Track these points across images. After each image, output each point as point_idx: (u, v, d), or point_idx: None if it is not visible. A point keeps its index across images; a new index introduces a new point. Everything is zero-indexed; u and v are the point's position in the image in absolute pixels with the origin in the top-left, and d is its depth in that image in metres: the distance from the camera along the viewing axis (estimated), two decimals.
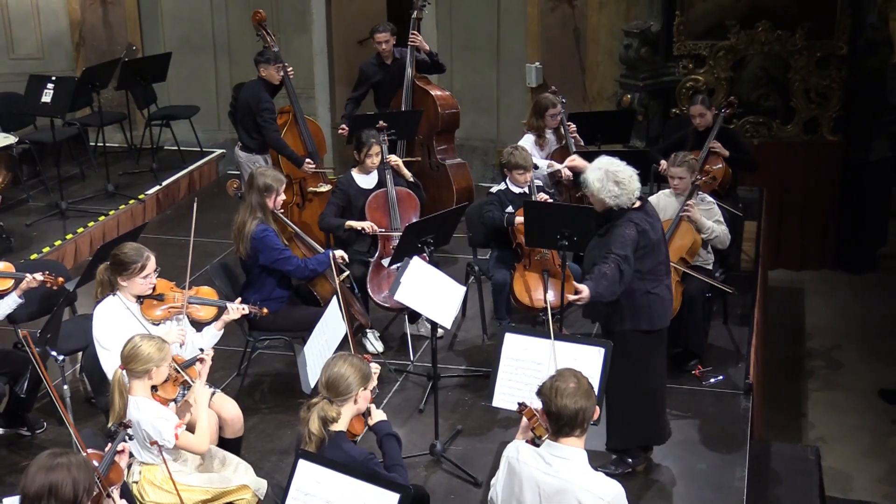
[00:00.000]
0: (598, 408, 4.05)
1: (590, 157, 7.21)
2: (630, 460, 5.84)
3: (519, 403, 4.36)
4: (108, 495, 4.12)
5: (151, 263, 5.46)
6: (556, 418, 3.95)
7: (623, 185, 5.38)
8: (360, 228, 7.00)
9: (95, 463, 4.19)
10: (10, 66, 11.43)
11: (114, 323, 5.36)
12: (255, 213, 6.31)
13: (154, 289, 5.53)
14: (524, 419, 4.23)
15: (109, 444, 4.39)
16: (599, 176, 5.40)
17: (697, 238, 6.77)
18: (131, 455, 4.72)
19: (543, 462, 3.99)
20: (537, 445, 4.06)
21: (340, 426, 4.40)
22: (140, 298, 5.51)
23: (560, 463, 3.96)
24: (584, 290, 5.26)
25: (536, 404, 4.18)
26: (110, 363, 5.29)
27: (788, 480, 6.17)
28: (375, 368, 4.59)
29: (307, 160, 8.19)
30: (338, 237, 7.18)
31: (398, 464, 4.49)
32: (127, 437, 4.43)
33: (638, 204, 5.47)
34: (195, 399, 4.91)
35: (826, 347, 9.25)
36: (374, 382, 4.52)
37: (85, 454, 3.94)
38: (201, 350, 5.25)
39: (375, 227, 7.01)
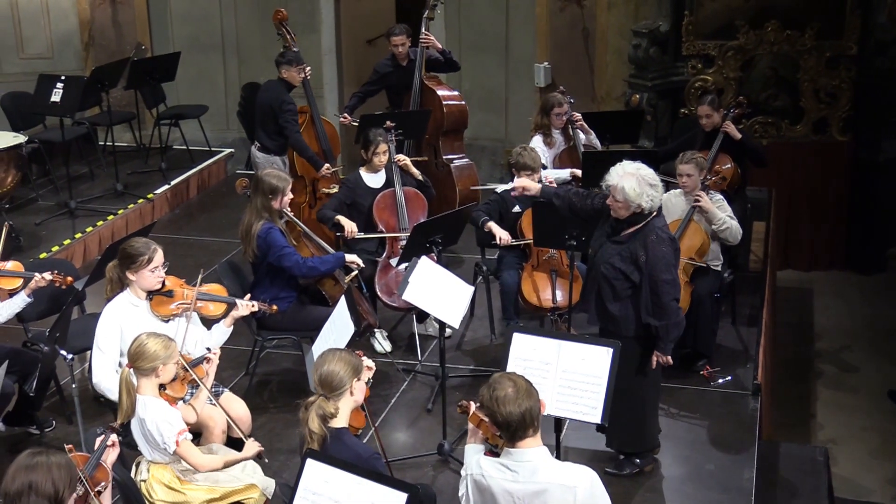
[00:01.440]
0: (543, 401, 4.02)
1: (598, 158, 7.24)
2: (638, 461, 5.82)
3: (459, 405, 4.37)
4: (96, 494, 4.13)
5: (159, 256, 5.46)
6: (507, 426, 3.91)
7: (656, 186, 5.36)
8: (344, 226, 6.96)
9: (82, 465, 4.20)
10: (19, 65, 11.47)
11: (117, 325, 5.37)
12: (260, 214, 6.32)
13: (163, 285, 5.54)
14: (470, 424, 4.22)
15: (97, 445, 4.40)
16: (634, 183, 5.29)
17: (706, 239, 6.75)
18: (136, 450, 4.74)
19: (509, 471, 3.95)
20: (497, 455, 4.04)
21: (341, 422, 4.40)
22: (150, 295, 5.52)
23: (525, 467, 3.93)
24: (664, 356, 5.45)
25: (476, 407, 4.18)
26: (101, 364, 5.32)
27: (797, 482, 6.15)
28: (368, 362, 4.59)
29: (326, 164, 8.20)
30: (335, 231, 7.17)
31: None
32: (112, 437, 4.42)
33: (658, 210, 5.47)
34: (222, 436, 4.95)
35: (835, 348, 9.24)
36: (367, 373, 4.53)
37: (71, 455, 3.93)
38: (208, 349, 5.26)
39: (355, 230, 6.98)
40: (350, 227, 6.96)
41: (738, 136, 7.72)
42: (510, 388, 3.92)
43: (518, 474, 3.93)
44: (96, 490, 4.16)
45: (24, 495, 3.63)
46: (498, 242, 6.89)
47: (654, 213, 5.41)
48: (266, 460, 5.04)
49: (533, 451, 3.94)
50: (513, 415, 3.88)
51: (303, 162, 8.23)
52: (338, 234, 7.04)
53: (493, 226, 6.89)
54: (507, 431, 3.93)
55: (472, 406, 4.23)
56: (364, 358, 4.56)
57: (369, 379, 4.55)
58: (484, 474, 4.02)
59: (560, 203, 5.91)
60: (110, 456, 4.37)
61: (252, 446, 4.88)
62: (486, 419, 4.05)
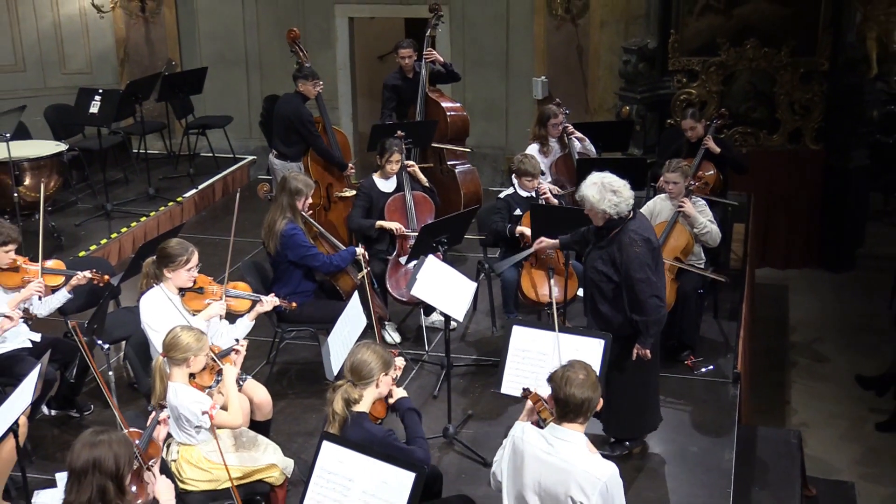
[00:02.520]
0: (601, 400, 4.04)
1: (591, 165, 7.22)
2: (627, 443, 5.82)
3: (523, 389, 4.37)
4: (148, 468, 4.14)
5: (195, 257, 5.49)
6: (564, 405, 3.95)
7: (619, 193, 5.34)
8: (389, 229, 7.00)
9: (136, 440, 4.22)
10: (61, 80, 11.48)
11: (159, 308, 5.38)
12: (284, 213, 6.34)
13: (195, 282, 5.55)
14: (529, 402, 4.24)
15: (148, 423, 4.42)
16: (596, 189, 5.33)
17: (690, 239, 6.75)
18: (169, 434, 4.75)
19: (546, 443, 3.99)
20: (542, 427, 4.06)
21: (363, 407, 4.41)
22: (182, 291, 5.53)
23: (561, 445, 3.95)
24: (643, 349, 5.41)
25: (541, 391, 4.18)
26: (158, 341, 5.31)
27: (773, 462, 6.15)
28: (400, 360, 4.60)
29: (350, 164, 8.23)
30: (367, 236, 7.16)
31: (419, 436, 4.52)
32: (164, 413, 4.44)
33: (632, 213, 5.43)
34: (224, 378, 4.90)
35: (808, 340, 9.23)
36: (395, 371, 4.54)
37: (126, 431, 3.95)
38: (237, 340, 5.27)
39: (403, 229, 7.01)
40: (395, 226, 7.00)
41: (717, 150, 7.73)
42: (583, 374, 3.96)
43: (553, 448, 3.97)
44: (149, 464, 4.18)
45: (88, 472, 3.64)
46: (523, 240, 6.86)
47: (630, 217, 5.40)
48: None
49: (574, 435, 3.97)
50: (574, 397, 3.92)
51: (317, 168, 8.22)
52: (372, 235, 7.03)
53: (521, 228, 6.86)
54: (562, 409, 3.97)
55: (532, 392, 4.26)
56: (398, 358, 4.57)
57: (396, 375, 4.56)
58: (524, 438, 4.06)
59: (579, 240, 5.92)
60: (161, 432, 4.39)
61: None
62: (544, 398, 4.08)
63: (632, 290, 5.33)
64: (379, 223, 7.02)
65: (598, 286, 5.46)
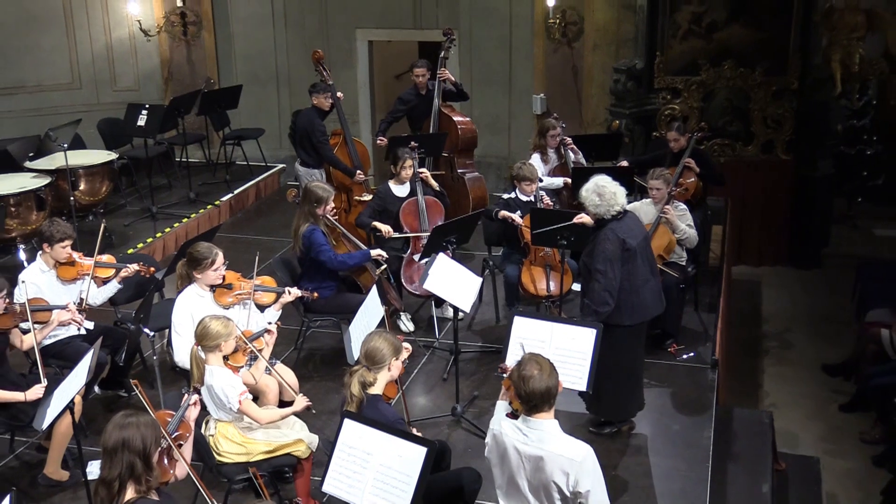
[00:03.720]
0: (560, 382, 4.01)
1: (585, 173, 7.21)
2: (616, 423, 5.81)
3: (500, 366, 4.36)
4: (178, 446, 4.15)
5: (220, 258, 5.50)
6: (528, 400, 3.91)
7: (604, 197, 5.34)
8: (380, 230, 6.98)
9: (168, 419, 4.22)
10: (113, 96, 11.52)
11: (189, 312, 5.39)
12: (307, 218, 6.36)
13: (224, 279, 5.56)
14: (504, 385, 4.24)
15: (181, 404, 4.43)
16: (588, 187, 5.42)
17: (672, 238, 6.74)
18: (208, 412, 4.75)
19: (522, 434, 3.97)
20: (516, 418, 4.04)
21: (377, 390, 4.42)
22: (212, 287, 5.54)
23: (535, 434, 3.93)
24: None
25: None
26: (181, 346, 5.35)
27: (747, 439, 6.14)
28: (407, 345, 4.60)
29: (359, 171, 8.20)
30: (369, 233, 7.18)
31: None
32: (195, 398, 4.44)
33: (619, 215, 5.40)
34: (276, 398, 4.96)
35: (779, 330, 9.21)
36: (405, 354, 4.54)
37: (154, 415, 3.96)
38: (269, 323, 5.29)
39: (391, 232, 6.99)
40: (385, 229, 6.98)
41: (697, 170, 7.66)
42: (536, 369, 3.91)
43: (528, 438, 3.94)
44: (178, 443, 4.18)
45: (118, 451, 3.67)
46: (514, 222, 6.87)
47: (616, 218, 5.39)
48: (314, 411, 5.02)
49: (545, 423, 3.94)
50: (535, 392, 3.88)
51: (338, 174, 8.25)
52: (376, 234, 7.02)
53: (506, 213, 6.89)
54: (527, 403, 3.93)
55: (508, 369, 4.23)
56: (405, 343, 4.58)
57: (405, 359, 4.56)
58: (502, 432, 4.04)
59: None
60: (192, 413, 4.39)
61: (301, 401, 4.89)
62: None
63: (592, 277, 5.36)
64: (374, 223, 7.00)
65: (588, 275, 5.49)
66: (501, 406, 4.22)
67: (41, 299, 5.68)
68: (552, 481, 3.88)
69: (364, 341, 4.50)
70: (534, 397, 3.87)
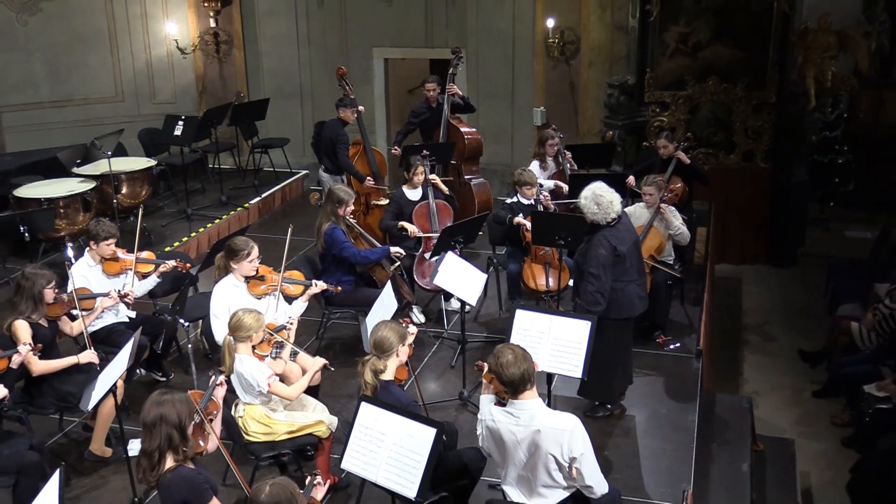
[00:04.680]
0: (536, 363, 4.01)
1: (582, 179, 7.20)
2: (609, 406, 5.80)
3: (476, 364, 4.35)
4: (209, 421, 4.17)
5: (255, 251, 5.52)
6: (510, 384, 3.92)
7: (602, 206, 5.33)
8: (408, 230, 6.98)
9: (198, 399, 4.24)
10: (152, 108, 11.55)
11: (226, 300, 5.40)
12: (329, 217, 6.36)
13: (257, 271, 5.56)
14: (483, 379, 4.21)
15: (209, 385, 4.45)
16: (587, 194, 5.37)
17: (663, 240, 6.73)
18: (235, 395, 4.75)
19: (512, 417, 3.95)
20: (503, 405, 4.02)
21: (388, 375, 4.41)
22: (247, 279, 5.54)
23: (525, 413, 3.92)
24: None
25: (541, 364, 4.15)
26: (219, 328, 5.36)
27: (728, 423, 6.13)
28: (412, 329, 4.59)
29: (368, 178, 8.20)
30: (393, 235, 7.17)
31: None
32: (221, 378, 4.46)
33: (614, 222, 5.38)
34: (299, 378, 4.94)
35: (758, 323, 9.18)
36: (410, 338, 4.54)
37: (188, 393, 4.00)
38: (290, 318, 5.29)
39: (418, 232, 6.99)
40: (412, 228, 6.97)
41: (688, 161, 7.68)
42: (510, 355, 3.92)
43: (520, 419, 3.93)
44: (209, 418, 4.20)
45: (157, 424, 3.73)
46: (523, 236, 6.85)
47: (610, 224, 5.36)
48: (332, 369, 5.01)
49: (531, 402, 3.93)
50: (514, 375, 3.87)
51: (357, 181, 8.23)
52: (403, 233, 6.99)
53: (518, 218, 6.85)
54: (510, 387, 3.92)
55: (486, 366, 4.22)
56: (410, 326, 4.57)
57: (412, 343, 4.55)
58: (494, 419, 4.02)
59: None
60: (219, 392, 4.41)
61: (319, 361, 4.92)
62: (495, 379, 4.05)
63: (585, 279, 5.35)
64: (401, 224, 6.99)
65: (580, 273, 5.48)
66: (486, 399, 4.18)
67: (87, 290, 5.72)
68: (549, 454, 3.88)
69: (371, 333, 4.50)
70: (514, 380, 3.88)
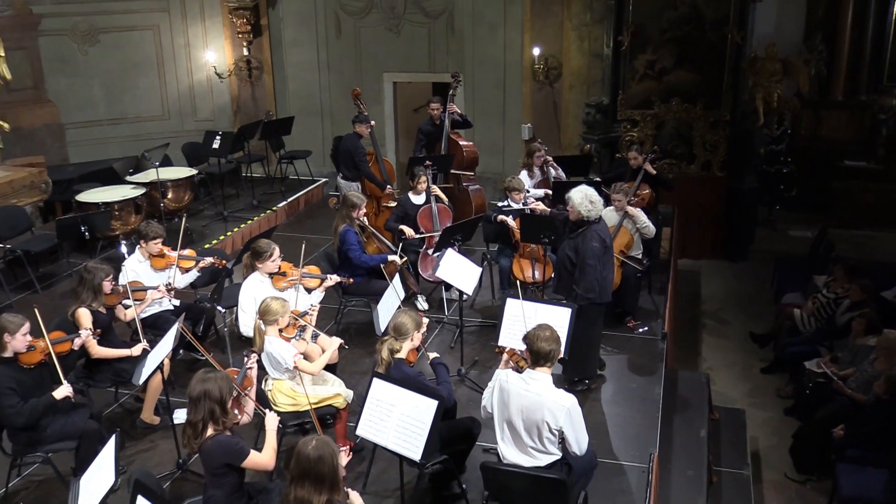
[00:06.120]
0: (562, 350, 4.03)
1: (564, 186, 7.19)
2: (587, 381, 5.80)
3: (498, 346, 4.38)
4: (245, 395, 4.17)
5: (276, 252, 5.51)
6: (536, 354, 3.94)
7: (594, 204, 5.36)
8: (405, 233, 6.95)
9: (235, 376, 4.24)
10: (194, 125, 11.55)
11: (253, 293, 5.39)
12: (344, 220, 6.34)
13: (280, 268, 5.55)
14: (504, 356, 4.26)
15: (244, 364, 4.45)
16: (581, 195, 5.37)
17: (631, 237, 6.71)
18: (265, 372, 4.75)
19: (524, 383, 3.97)
20: (520, 373, 4.03)
21: (402, 355, 4.41)
22: (271, 275, 5.53)
23: (534, 383, 3.94)
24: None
25: (512, 345, 4.18)
26: (245, 321, 5.36)
27: (689, 395, 6.14)
28: (426, 320, 4.59)
29: (389, 186, 8.19)
30: (395, 234, 7.15)
31: (445, 381, 4.51)
32: (253, 359, 4.46)
33: (598, 219, 5.41)
34: (320, 356, 4.92)
35: (714, 309, 9.18)
36: (424, 328, 4.53)
37: (227, 370, 4.00)
38: (312, 305, 5.29)
39: (414, 234, 6.97)
40: (409, 232, 6.95)
41: (654, 172, 7.68)
42: (548, 332, 3.98)
43: (529, 386, 3.97)
44: (245, 392, 4.20)
45: (201, 399, 3.74)
46: (503, 221, 6.81)
47: (595, 221, 5.38)
48: (347, 347, 4.99)
49: (543, 376, 3.98)
50: (543, 349, 3.93)
51: (371, 185, 8.22)
52: (402, 235, 7.00)
53: (502, 217, 6.83)
54: (534, 357, 3.97)
55: (506, 347, 4.28)
56: (424, 318, 4.57)
57: (425, 332, 4.56)
58: (508, 380, 4.06)
59: (560, 217, 5.96)
60: (252, 371, 4.41)
61: (336, 340, 4.92)
62: (519, 352, 4.07)
63: (583, 270, 5.35)
64: (400, 227, 6.96)
65: (565, 266, 5.48)
66: (501, 372, 4.18)
67: (138, 282, 5.71)
68: (543, 420, 3.91)
69: (393, 317, 4.50)
70: (541, 353, 3.92)
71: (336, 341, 4.93)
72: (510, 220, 6.84)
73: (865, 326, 6.82)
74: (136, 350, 5.15)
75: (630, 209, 6.66)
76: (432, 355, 4.61)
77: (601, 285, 5.44)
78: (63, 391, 4.52)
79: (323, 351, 5.12)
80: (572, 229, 5.50)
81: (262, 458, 3.86)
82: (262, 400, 4.71)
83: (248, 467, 3.82)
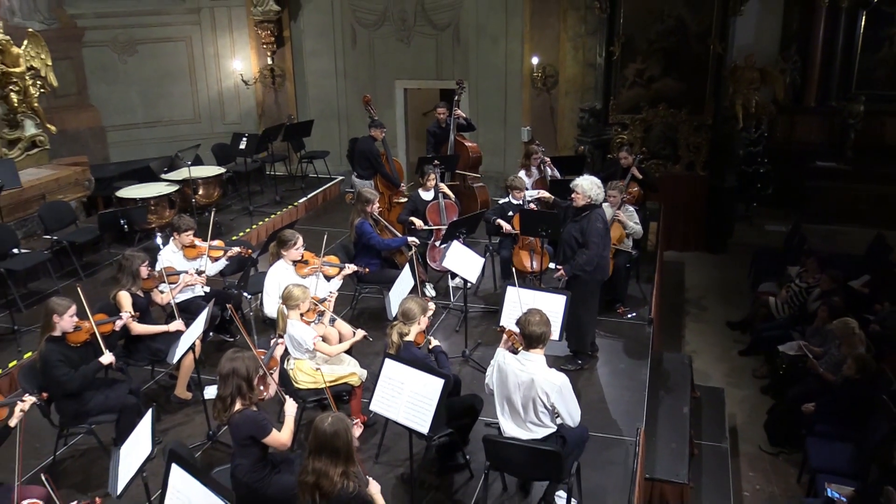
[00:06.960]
0: (553, 332, 4.01)
1: (560, 184, 7.16)
2: (580, 361, 5.79)
3: (500, 326, 4.36)
4: (270, 374, 4.18)
5: (300, 241, 5.50)
6: (528, 337, 3.93)
7: (599, 189, 5.48)
8: (415, 224, 6.95)
9: (261, 356, 4.24)
10: (223, 128, 11.55)
11: (277, 279, 5.40)
12: (359, 214, 6.33)
13: (302, 256, 5.55)
14: (504, 336, 4.24)
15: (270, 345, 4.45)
16: (588, 181, 5.45)
17: (622, 232, 6.69)
18: (287, 352, 4.76)
19: (519, 363, 3.96)
20: (516, 353, 4.02)
21: (410, 338, 4.40)
22: (294, 262, 5.53)
23: (529, 364, 3.93)
24: (562, 270, 5.44)
25: (511, 327, 4.18)
26: (269, 303, 5.37)
27: (672, 375, 6.12)
28: (432, 305, 4.58)
29: (401, 184, 8.17)
30: (407, 226, 7.15)
31: (445, 367, 4.49)
32: (279, 342, 4.46)
33: (600, 204, 5.52)
34: (338, 342, 4.92)
35: (696, 297, 9.15)
36: (430, 312, 4.52)
37: (255, 352, 4.00)
38: (330, 292, 5.28)
39: (422, 225, 6.95)
40: (418, 223, 6.94)
41: (640, 176, 7.64)
42: (538, 317, 3.96)
43: (524, 366, 3.96)
44: (270, 371, 4.21)
45: (230, 376, 3.74)
46: (504, 230, 6.81)
47: (598, 205, 5.45)
48: (371, 339, 4.97)
49: (537, 357, 3.96)
50: (534, 332, 3.92)
51: (383, 184, 8.20)
52: (411, 226, 6.98)
53: (501, 221, 6.83)
54: (527, 340, 3.95)
55: (507, 328, 4.25)
56: (430, 303, 4.56)
57: (430, 315, 4.55)
58: (505, 361, 4.05)
59: (563, 204, 6.10)
60: (279, 351, 4.42)
61: (360, 333, 4.91)
62: (516, 333, 4.06)
63: (587, 246, 5.41)
64: (411, 219, 6.96)
65: (570, 245, 5.51)
66: (502, 350, 4.19)
67: (171, 268, 5.74)
68: (538, 397, 3.91)
69: (400, 304, 4.49)
70: (533, 336, 3.91)
71: (360, 334, 4.89)
72: (506, 224, 6.81)
73: (829, 313, 6.79)
74: (172, 326, 5.18)
75: (619, 214, 6.65)
76: (434, 343, 4.60)
77: (600, 263, 5.49)
78: (108, 357, 4.61)
79: (340, 334, 5.12)
80: (576, 214, 5.53)
81: (282, 437, 3.83)
82: (285, 377, 4.71)
83: (268, 443, 3.81)
